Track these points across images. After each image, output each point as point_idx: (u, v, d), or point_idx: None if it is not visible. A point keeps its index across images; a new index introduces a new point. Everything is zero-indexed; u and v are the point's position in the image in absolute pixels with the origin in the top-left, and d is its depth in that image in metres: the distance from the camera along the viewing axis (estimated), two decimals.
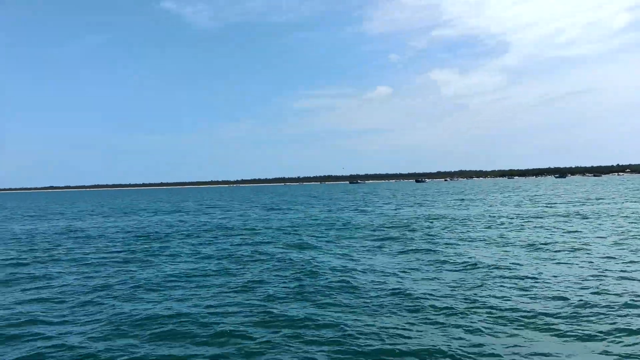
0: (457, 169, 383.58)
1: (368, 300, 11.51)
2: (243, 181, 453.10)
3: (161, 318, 10.42)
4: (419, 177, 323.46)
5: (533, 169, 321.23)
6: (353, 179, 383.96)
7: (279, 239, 23.45)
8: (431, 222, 29.90)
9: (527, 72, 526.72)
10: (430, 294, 11.85)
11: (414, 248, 19.40)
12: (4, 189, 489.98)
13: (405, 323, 9.77)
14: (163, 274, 15.28)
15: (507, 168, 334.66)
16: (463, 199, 57.64)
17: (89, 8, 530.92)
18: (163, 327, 9.89)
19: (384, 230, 26.40)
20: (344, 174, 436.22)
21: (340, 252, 18.98)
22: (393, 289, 12.43)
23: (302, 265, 16.09)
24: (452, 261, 16.30)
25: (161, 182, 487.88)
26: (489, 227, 26.26)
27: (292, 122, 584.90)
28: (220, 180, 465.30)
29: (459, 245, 19.98)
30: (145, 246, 22.31)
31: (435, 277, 13.97)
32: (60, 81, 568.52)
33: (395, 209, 43.01)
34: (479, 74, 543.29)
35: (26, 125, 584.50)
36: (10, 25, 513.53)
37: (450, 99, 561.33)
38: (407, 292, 12.09)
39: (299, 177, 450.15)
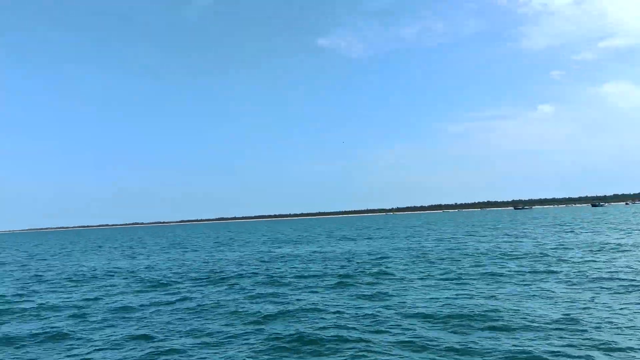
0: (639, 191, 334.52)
1: None
2: (398, 209, 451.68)
3: None
4: (595, 201, 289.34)
5: None
6: (517, 204, 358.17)
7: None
8: None
9: None
10: None
11: None
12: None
13: None
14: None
15: None
16: None
17: (241, 51, 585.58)
18: None
19: None
20: (505, 200, 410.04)
21: None
22: None
23: None
24: None
25: (318, 212, 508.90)
26: None
27: (447, 146, 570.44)
28: (375, 208, 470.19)
29: None
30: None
31: None
32: (228, 125, 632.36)
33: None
34: None
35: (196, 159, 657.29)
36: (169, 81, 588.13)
37: (626, 113, 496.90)
38: None
39: (456, 204, 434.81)
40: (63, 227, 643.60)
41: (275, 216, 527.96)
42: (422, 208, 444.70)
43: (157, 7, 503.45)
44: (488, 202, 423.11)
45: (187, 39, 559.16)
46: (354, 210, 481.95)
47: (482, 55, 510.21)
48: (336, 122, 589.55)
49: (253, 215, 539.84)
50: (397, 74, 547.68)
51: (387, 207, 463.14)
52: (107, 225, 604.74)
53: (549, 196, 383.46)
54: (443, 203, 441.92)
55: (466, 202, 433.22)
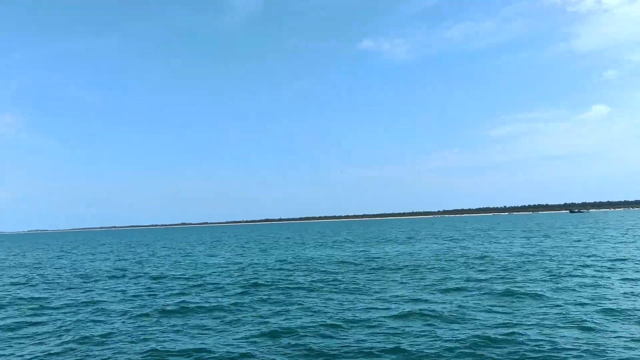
0: None
1: None
2: (445, 212, 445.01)
3: None
4: None
5: None
6: (571, 207, 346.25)
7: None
8: None
9: None
10: None
11: None
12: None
13: None
14: None
15: None
16: None
17: (287, 56, 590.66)
18: None
19: None
20: (557, 203, 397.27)
21: None
22: None
23: None
24: None
25: (364, 214, 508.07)
26: None
27: (495, 148, 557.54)
28: (421, 211, 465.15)
29: None
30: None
31: None
32: (270, 127, 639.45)
33: None
34: None
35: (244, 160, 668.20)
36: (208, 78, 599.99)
37: None
38: None
39: (505, 207, 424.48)
40: (115, 227, 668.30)
41: (327, 217, 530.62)
42: (469, 211, 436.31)
43: (200, 17, 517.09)
44: (539, 205, 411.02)
45: (233, 45, 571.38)
46: (400, 213, 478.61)
47: (531, 55, 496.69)
48: (380, 127, 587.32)
49: (304, 217, 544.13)
50: (442, 77, 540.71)
51: (434, 210, 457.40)
52: (156, 225, 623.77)
53: (604, 199, 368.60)
54: (491, 206, 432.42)
55: (515, 205, 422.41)
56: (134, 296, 21.49)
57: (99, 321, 16.24)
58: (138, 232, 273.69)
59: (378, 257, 35.92)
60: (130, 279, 28.42)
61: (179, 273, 30.18)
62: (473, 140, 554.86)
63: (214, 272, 29.75)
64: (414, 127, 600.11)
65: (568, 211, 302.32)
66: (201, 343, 12.92)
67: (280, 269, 30.45)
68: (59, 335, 14.48)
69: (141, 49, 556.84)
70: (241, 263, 35.77)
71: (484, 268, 26.91)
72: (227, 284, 24.17)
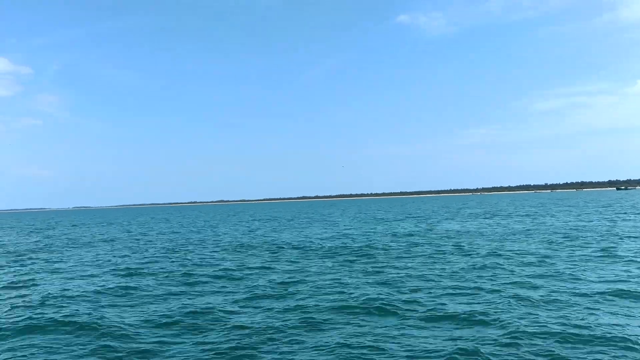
0: None
1: None
2: (483, 189, 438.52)
3: None
4: None
5: None
6: (616, 184, 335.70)
7: None
8: None
9: None
10: None
11: None
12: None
13: None
14: None
15: None
16: None
17: (322, 33, 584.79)
18: None
19: None
20: (600, 180, 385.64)
21: None
22: None
23: None
24: None
25: (400, 192, 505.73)
26: None
27: (537, 124, 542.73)
28: (459, 188, 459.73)
29: None
30: None
31: None
32: (307, 103, 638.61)
33: None
34: None
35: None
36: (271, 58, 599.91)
37: None
38: None
39: (546, 184, 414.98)
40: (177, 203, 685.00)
41: (355, 195, 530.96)
42: (509, 188, 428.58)
43: None
44: (582, 182, 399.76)
45: (270, 23, 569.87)
46: (437, 191, 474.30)
47: (574, 27, 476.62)
48: (416, 103, 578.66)
49: (335, 195, 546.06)
50: (482, 50, 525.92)
51: (472, 188, 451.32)
52: (195, 202, 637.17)
53: None
54: (532, 183, 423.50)
55: (557, 182, 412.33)
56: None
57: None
58: (186, 208, 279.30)
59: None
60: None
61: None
62: (514, 116, 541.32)
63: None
64: (452, 103, 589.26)
65: (615, 188, 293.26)
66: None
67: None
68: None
69: (178, 29, 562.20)
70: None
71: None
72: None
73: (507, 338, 10.05)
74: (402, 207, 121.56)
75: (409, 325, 11.44)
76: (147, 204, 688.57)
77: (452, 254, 24.11)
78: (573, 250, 23.77)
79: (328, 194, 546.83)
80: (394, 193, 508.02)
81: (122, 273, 21.10)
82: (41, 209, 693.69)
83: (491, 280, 16.70)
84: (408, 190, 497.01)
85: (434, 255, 23.60)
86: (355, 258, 23.75)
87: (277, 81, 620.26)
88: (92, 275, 20.86)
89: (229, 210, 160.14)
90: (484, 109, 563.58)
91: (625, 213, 53.16)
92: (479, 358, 9.01)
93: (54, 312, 13.64)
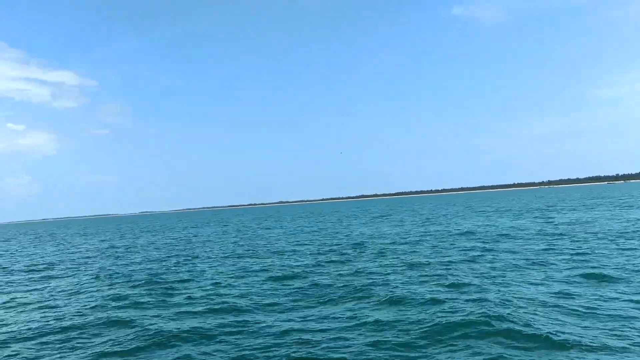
0: None
1: None
2: (549, 182, 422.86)
3: None
4: None
5: None
6: None
7: None
8: None
9: None
10: None
11: None
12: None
13: None
14: None
15: None
16: None
17: (378, 28, 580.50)
18: None
19: None
20: None
21: None
22: None
23: None
24: None
25: (460, 187, 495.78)
26: None
27: (602, 111, 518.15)
28: (523, 182, 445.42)
29: None
30: None
31: None
32: (364, 99, 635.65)
33: None
34: None
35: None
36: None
37: None
38: None
39: (617, 175, 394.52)
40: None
41: (412, 193, 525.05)
42: (577, 181, 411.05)
43: None
44: None
45: (325, 19, 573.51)
46: (500, 185, 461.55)
47: (634, 9, 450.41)
48: (474, 94, 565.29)
49: (394, 192, 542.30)
50: (540, 37, 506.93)
51: (537, 181, 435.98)
52: (254, 204, 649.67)
53: None
54: (602, 174, 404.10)
55: (630, 172, 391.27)
56: None
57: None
58: (246, 211, 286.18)
59: None
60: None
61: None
62: (576, 103, 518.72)
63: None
64: (510, 92, 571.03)
65: None
66: None
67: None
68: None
69: (231, 35, 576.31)
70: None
71: None
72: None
73: None
74: (483, 202, 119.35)
75: None
76: (209, 207, 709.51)
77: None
78: None
79: (385, 192, 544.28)
80: (454, 189, 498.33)
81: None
82: (114, 215, 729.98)
83: None
84: (471, 186, 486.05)
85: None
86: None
87: (329, 78, 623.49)
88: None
89: (303, 211, 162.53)
90: (546, 98, 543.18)
91: None
92: None
93: None
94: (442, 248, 26.99)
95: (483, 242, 28.75)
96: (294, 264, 24.08)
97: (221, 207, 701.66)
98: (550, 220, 42.56)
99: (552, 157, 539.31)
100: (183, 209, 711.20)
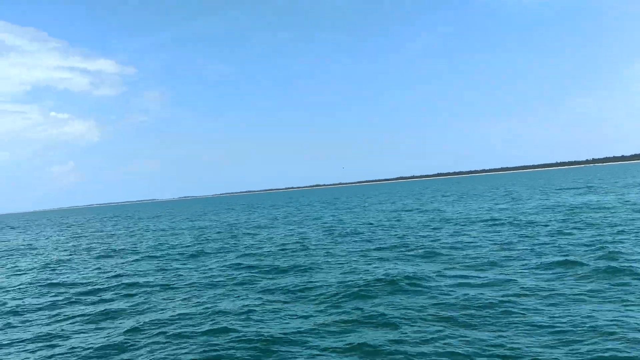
0: None
1: None
2: (594, 160, 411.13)
3: None
4: None
5: None
6: None
7: None
8: None
9: None
10: None
11: None
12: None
13: None
14: None
15: None
16: None
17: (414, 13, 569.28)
18: None
19: None
20: None
21: None
22: None
23: None
24: None
25: (501, 167, 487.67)
26: None
27: None
28: (565, 161, 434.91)
29: None
30: None
31: None
32: (404, 81, 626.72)
33: None
34: None
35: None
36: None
37: None
38: None
39: None
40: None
41: (453, 174, 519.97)
42: (622, 158, 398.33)
43: None
44: None
45: (357, 7, 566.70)
46: (541, 165, 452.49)
47: None
48: (513, 76, 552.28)
49: (433, 173, 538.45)
50: (573, 18, 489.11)
51: (582, 159, 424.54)
52: (291, 187, 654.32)
53: None
54: None
55: None
56: None
57: None
58: (292, 194, 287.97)
59: None
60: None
61: None
62: (619, 82, 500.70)
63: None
64: (551, 73, 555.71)
65: None
66: None
67: None
68: None
69: (270, 23, 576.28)
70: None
71: None
72: None
73: None
74: (540, 181, 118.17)
75: None
76: (243, 192, 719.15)
77: None
78: None
79: (425, 174, 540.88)
80: (494, 169, 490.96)
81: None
82: (151, 200, 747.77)
83: None
84: (510, 166, 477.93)
85: None
86: None
87: (368, 67, 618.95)
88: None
89: (375, 191, 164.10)
90: (586, 78, 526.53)
91: None
92: None
93: None
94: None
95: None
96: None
97: (258, 191, 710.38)
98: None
99: (594, 134, 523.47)
100: (220, 194, 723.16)
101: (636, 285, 13.22)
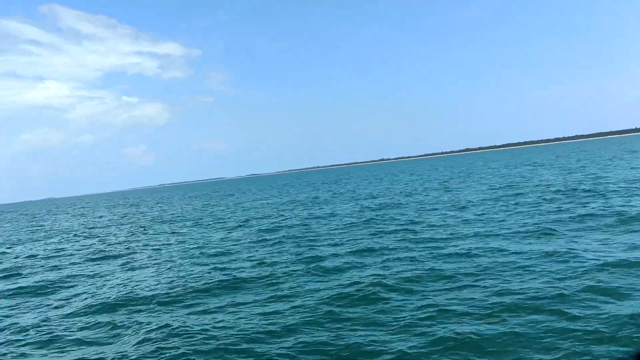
0: None
1: None
2: (619, 132, 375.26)
3: None
4: None
5: None
6: None
7: None
8: None
9: None
10: None
11: None
12: None
13: None
14: None
15: None
16: None
17: None
18: None
19: None
20: None
21: None
22: None
23: None
24: None
25: (555, 138, 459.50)
26: None
27: None
28: (627, 129, 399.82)
29: None
30: None
31: None
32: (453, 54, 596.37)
33: None
34: None
35: None
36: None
37: None
38: None
39: None
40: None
41: (501, 146, 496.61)
42: None
43: None
44: None
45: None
46: (576, 136, 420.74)
47: None
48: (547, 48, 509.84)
49: (477, 147, 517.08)
50: None
51: (605, 131, 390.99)
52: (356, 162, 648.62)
53: None
54: None
55: None
56: None
57: None
58: (362, 169, 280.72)
59: None
60: None
61: None
62: None
63: None
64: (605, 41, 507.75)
65: None
66: None
67: None
68: None
69: None
70: None
71: None
72: None
73: None
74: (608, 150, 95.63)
75: None
76: (310, 168, 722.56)
77: None
78: None
79: (478, 146, 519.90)
80: (547, 140, 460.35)
81: None
82: (219, 178, 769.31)
83: None
84: (567, 135, 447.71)
85: None
86: None
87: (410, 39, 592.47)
88: None
89: (426, 165, 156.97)
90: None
91: None
92: None
93: None
94: None
95: None
96: None
97: (325, 166, 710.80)
98: None
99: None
100: (285, 171, 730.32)
101: None
